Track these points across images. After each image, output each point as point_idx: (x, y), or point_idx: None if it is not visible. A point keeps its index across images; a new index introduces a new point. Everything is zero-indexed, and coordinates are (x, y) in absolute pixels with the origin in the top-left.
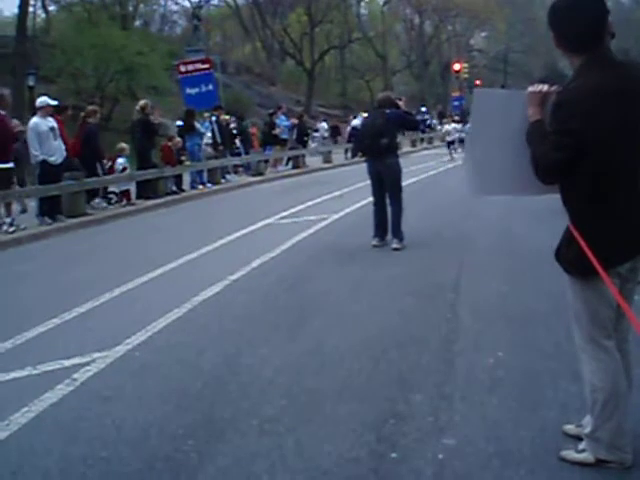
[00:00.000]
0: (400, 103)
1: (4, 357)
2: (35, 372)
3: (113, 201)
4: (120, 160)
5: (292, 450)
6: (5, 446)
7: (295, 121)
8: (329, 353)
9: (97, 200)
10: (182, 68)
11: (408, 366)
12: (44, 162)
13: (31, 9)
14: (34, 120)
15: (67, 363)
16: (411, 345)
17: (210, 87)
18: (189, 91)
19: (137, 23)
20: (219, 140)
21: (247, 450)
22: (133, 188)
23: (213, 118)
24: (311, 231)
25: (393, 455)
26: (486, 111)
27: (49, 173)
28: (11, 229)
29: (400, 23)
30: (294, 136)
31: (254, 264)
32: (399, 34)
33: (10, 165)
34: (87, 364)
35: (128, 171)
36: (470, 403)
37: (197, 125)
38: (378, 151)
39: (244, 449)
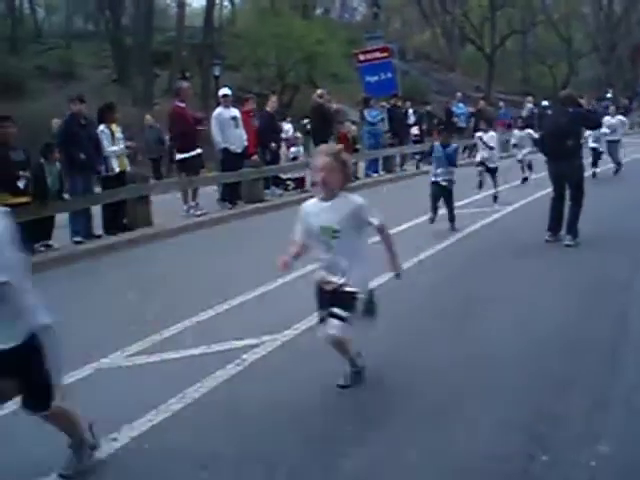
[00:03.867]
0: (582, 102)
1: (183, 335)
2: (209, 351)
3: (290, 188)
4: (293, 149)
5: (444, 443)
6: (178, 417)
7: (473, 109)
8: (493, 349)
9: (270, 189)
10: (361, 57)
11: (571, 367)
12: (225, 150)
13: (217, 1)
14: (217, 110)
15: (238, 344)
16: (576, 345)
17: (389, 75)
18: (369, 79)
19: (318, 11)
20: (386, 128)
21: (399, 440)
22: (309, 175)
23: (386, 106)
24: (484, 223)
25: (544, 457)
26: None
27: (230, 160)
28: (197, 213)
29: (586, 4)
30: (472, 124)
31: (423, 255)
32: (585, 16)
33: (194, 153)
34: (256, 346)
35: (302, 159)
36: (630, 410)
37: (365, 113)
38: (563, 153)
39: (396, 439)
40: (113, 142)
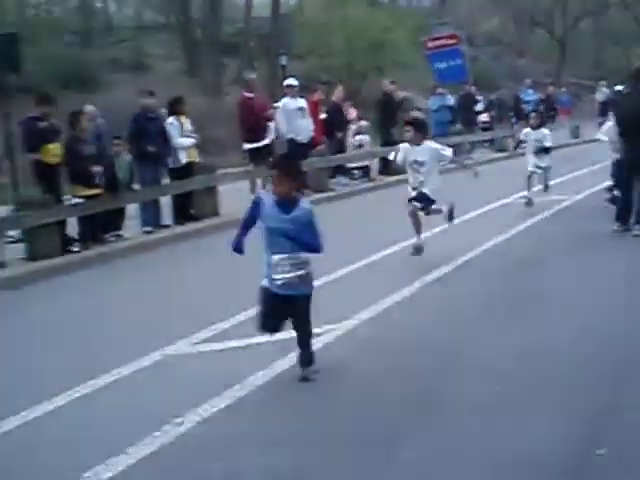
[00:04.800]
0: None
1: (247, 323)
2: (271, 339)
3: (356, 177)
4: (358, 137)
5: (501, 434)
6: (241, 404)
7: (543, 95)
8: (552, 341)
9: (337, 179)
10: (430, 44)
11: (632, 362)
12: (291, 140)
13: None
14: (283, 100)
15: None
16: (638, 336)
17: (458, 62)
18: (438, 66)
19: None
20: (450, 118)
21: (458, 430)
22: (375, 164)
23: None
24: (551, 212)
25: (602, 450)
26: None
27: (296, 150)
28: None
29: None
30: (541, 111)
31: (487, 245)
32: None
33: (263, 143)
34: (317, 335)
35: (367, 147)
36: None
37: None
38: (639, 137)
39: (455, 428)
40: (182, 134)
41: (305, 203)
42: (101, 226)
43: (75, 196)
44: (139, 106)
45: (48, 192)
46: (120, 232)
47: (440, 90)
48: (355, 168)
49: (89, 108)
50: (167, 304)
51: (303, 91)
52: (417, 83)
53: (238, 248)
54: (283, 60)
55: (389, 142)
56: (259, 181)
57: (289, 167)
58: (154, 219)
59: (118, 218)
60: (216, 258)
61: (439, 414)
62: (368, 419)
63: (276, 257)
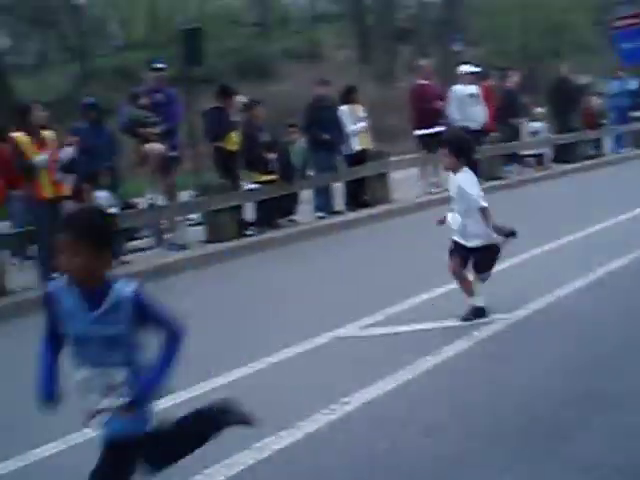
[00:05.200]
0: None
1: (416, 309)
2: (440, 326)
3: (530, 164)
4: (533, 124)
5: None
6: (408, 387)
7: None
8: None
9: (509, 167)
10: (616, 23)
11: None
12: (463, 127)
13: None
14: (455, 87)
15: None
16: None
17: None
18: (623, 46)
19: None
20: (628, 102)
21: (627, 428)
22: (549, 153)
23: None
24: None
25: None
26: None
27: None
28: (435, 190)
29: None
30: None
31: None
32: None
33: (435, 130)
34: (486, 324)
35: (542, 135)
36: None
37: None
38: None
39: (623, 426)
40: (355, 122)
41: (122, 286)
42: (276, 211)
43: (253, 182)
44: (313, 95)
45: (226, 178)
46: (294, 217)
47: (621, 74)
48: (528, 155)
49: (242, 99)
50: (338, 288)
51: (477, 77)
52: (599, 67)
53: (48, 394)
54: (457, 46)
55: (566, 129)
56: (431, 168)
57: (86, 224)
58: (326, 205)
59: (292, 203)
60: (389, 243)
61: (605, 411)
62: (537, 411)
63: (82, 373)
